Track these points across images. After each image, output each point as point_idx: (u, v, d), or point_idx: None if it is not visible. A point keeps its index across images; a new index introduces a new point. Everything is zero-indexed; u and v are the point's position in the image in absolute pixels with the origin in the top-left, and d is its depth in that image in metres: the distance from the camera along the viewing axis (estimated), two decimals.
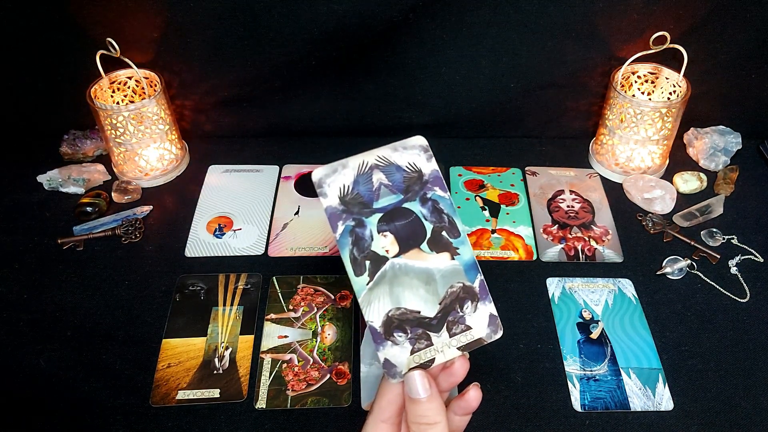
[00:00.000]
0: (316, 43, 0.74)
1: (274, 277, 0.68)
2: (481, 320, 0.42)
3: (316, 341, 0.62)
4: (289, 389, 0.58)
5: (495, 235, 0.74)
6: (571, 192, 0.79)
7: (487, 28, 0.75)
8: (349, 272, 0.41)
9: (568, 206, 0.77)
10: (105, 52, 0.73)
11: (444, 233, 0.43)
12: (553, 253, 0.72)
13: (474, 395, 0.42)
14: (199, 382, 0.59)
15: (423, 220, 0.43)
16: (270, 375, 0.59)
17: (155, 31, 0.74)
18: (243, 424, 0.56)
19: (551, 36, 0.75)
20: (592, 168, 0.83)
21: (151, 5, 0.71)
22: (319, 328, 0.63)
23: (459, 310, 0.42)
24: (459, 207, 0.77)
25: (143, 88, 0.79)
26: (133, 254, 0.71)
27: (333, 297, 0.66)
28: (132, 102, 0.80)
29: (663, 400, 0.58)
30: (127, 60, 0.74)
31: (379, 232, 0.42)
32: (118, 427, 0.55)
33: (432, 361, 0.41)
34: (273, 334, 0.63)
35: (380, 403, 0.41)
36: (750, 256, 0.71)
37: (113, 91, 0.79)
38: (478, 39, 0.76)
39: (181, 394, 0.58)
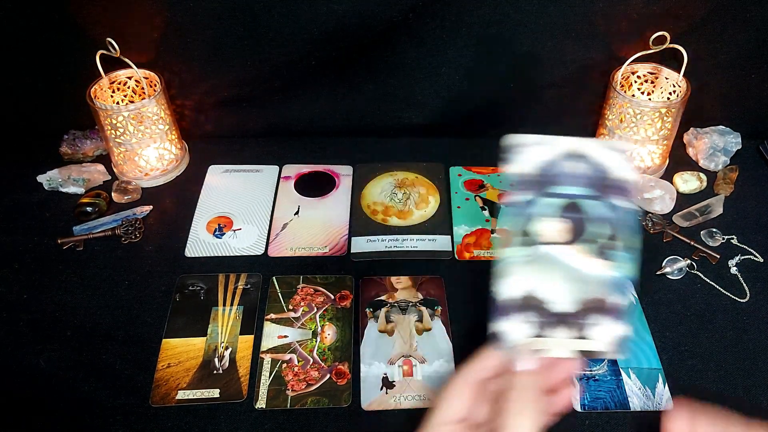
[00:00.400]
0: (316, 43, 0.74)
1: (274, 277, 0.68)
2: (607, 336, 0.41)
3: (316, 341, 0.62)
4: (289, 389, 0.58)
5: (495, 234, 0.74)
6: None
7: (487, 28, 0.75)
8: (504, 240, 0.41)
9: None
10: (105, 52, 0.73)
11: (611, 242, 0.42)
12: None
13: (566, 396, 0.41)
14: (199, 382, 0.59)
15: (596, 222, 0.42)
16: (270, 375, 0.59)
17: (155, 31, 0.74)
18: (243, 424, 0.56)
19: (551, 36, 0.75)
20: None
21: (151, 5, 0.71)
22: (319, 328, 0.63)
23: (590, 318, 0.41)
24: (459, 207, 0.77)
25: (143, 88, 0.79)
26: (133, 254, 0.71)
27: (333, 297, 0.66)
28: (132, 102, 0.80)
29: (663, 400, 0.58)
30: (127, 60, 0.74)
31: (548, 216, 0.41)
32: (118, 427, 0.55)
33: (544, 351, 0.40)
34: (273, 334, 0.63)
35: (475, 366, 0.41)
36: (750, 256, 0.71)
37: (113, 91, 0.79)
38: (478, 39, 0.76)
39: (181, 394, 0.58)
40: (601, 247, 0.42)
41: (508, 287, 0.41)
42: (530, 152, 0.42)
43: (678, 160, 0.83)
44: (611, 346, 0.41)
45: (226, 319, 0.64)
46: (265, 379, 0.59)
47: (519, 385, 0.39)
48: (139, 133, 0.75)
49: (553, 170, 0.42)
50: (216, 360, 0.61)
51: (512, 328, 0.40)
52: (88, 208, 0.74)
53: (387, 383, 0.59)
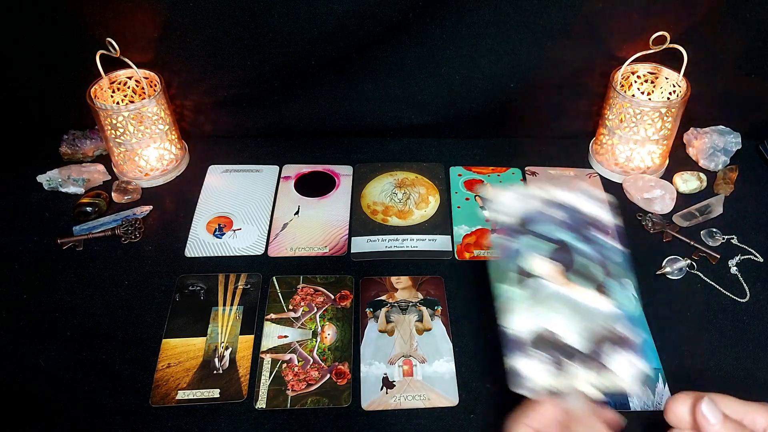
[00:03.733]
0: (316, 43, 0.74)
1: (273, 277, 0.68)
2: (625, 369, 0.42)
3: (316, 341, 0.62)
4: (289, 389, 0.58)
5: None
6: None
7: (487, 28, 0.75)
8: (499, 282, 0.43)
9: None
10: (105, 52, 0.73)
11: (598, 274, 0.44)
12: None
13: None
14: (199, 382, 0.59)
15: (591, 260, 0.44)
16: (270, 375, 0.59)
17: (155, 31, 0.74)
18: (243, 424, 0.56)
19: (551, 36, 0.75)
20: (591, 168, 0.83)
21: (151, 5, 0.71)
22: (319, 328, 0.63)
23: (605, 352, 0.42)
24: (459, 207, 0.77)
25: (143, 88, 0.79)
26: (133, 254, 0.71)
27: (333, 297, 0.66)
28: (132, 102, 0.80)
29: (663, 400, 0.58)
30: (127, 60, 0.74)
31: (544, 257, 0.44)
32: (118, 427, 0.55)
33: (565, 388, 0.41)
34: (273, 334, 0.63)
35: (534, 411, 0.40)
36: (750, 256, 0.71)
37: (113, 91, 0.79)
38: (477, 39, 0.76)
39: (181, 394, 0.58)
40: (592, 277, 0.44)
41: (516, 324, 0.42)
42: (513, 203, 0.45)
43: (678, 160, 0.83)
44: (628, 380, 0.41)
45: (226, 319, 0.64)
46: (265, 379, 0.59)
47: (589, 427, 0.39)
48: (139, 133, 0.75)
49: (539, 215, 0.45)
50: (216, 360, 0.61)
51: (527, 367, 0.41)
52: (88, 208, 0.74)
53: (387, 383, 0.59)
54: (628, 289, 0.44)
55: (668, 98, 0.79)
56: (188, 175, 0.82)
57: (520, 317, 0.42)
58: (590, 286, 0.43)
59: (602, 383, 0.41)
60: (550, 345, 0.41)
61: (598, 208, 0.46)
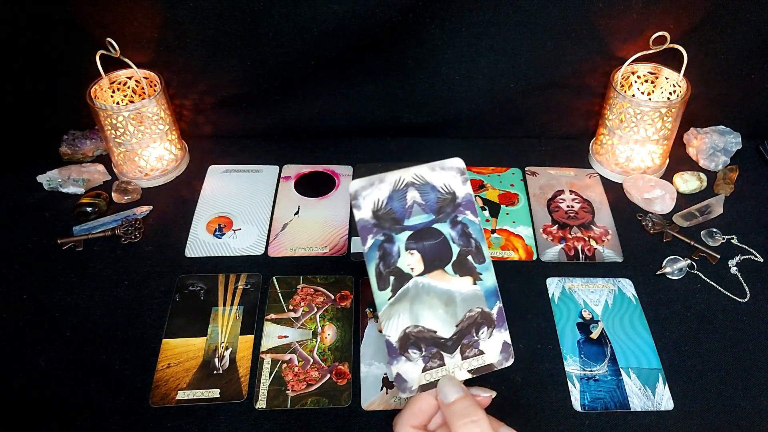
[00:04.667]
0: (316, 43, 0.74)
1: (274, 277, 0.68)
2: (494, 346, 0.43)
3: (316, 341, 0.62)
4: (289, 389, 0.58)
5: (495, 235, 0.74)
6: (571, 192, 0.79)
7: (487, 28, 0.75)
8: (373, 286, 0.42)
9: (567, 206, 0.77)
10: (105, 52, 0.73)
11: (470, 257, 0.43)
12: (552, 253, 0.72)
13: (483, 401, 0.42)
14: (199, 383, 0.59)
15: (451, 242, 0.43)
16: (270, 375, 0.59)
17: (155, 31, 0.74)
18: (243, 425, 0.56)
19: (551, 36, 0.75)
20: (592, 168, 0.83)
21: (150, 5, 0.71)
22: (319, 328, 0.63)
23: (474, 335, 0.43)
24: None
25: (143, 88, 0.79)
26: (133, 254, 0.71)
27: (333, 297, 0.66)
28: (132, 102, 0.80)
29: (663, 400, 0.58)
30: (126, 60, 0.74)
31: (406, 250, 0.43)
32: (118, 428, 0.55)
33: (439, 378, 0.42)
34: (273, 334, 0.63)
35: (412, 410, 0.41)
36: (750, 256, 0.71)
37: (113, 91, 0.79)
38: (477, 39, 0.76)
39: (181, 395, 0.58)
40: (465, 264, 0.43)
41: (393, 329, 0.42)
42: (372, 194, 0.43)
43: (678, 160, 0.83)
44: (499, 356, 0.43)
45: (226, 319, 0.64)
46: (265, 380, 0.59)
47: (461, 410, 0.39)
48: (139, 133, 0.75)
49: (400, 205, 0.43)
50: (216, 360, 0.61)
51: (408, 368, 0.41)
52: (88, 208, 0.74)
53: (387, 383, 0.59)
54: (484, 262, 0.43)
55: (668, 98, 0.80)
56: (188, 175, 0.82)
57: (396, 321, 0.42)
58: (462, 272, 0.43)
59: (471, 364, 0.42)
60: (423, 341, 0.42)
61: (452, 179, 0.44)
